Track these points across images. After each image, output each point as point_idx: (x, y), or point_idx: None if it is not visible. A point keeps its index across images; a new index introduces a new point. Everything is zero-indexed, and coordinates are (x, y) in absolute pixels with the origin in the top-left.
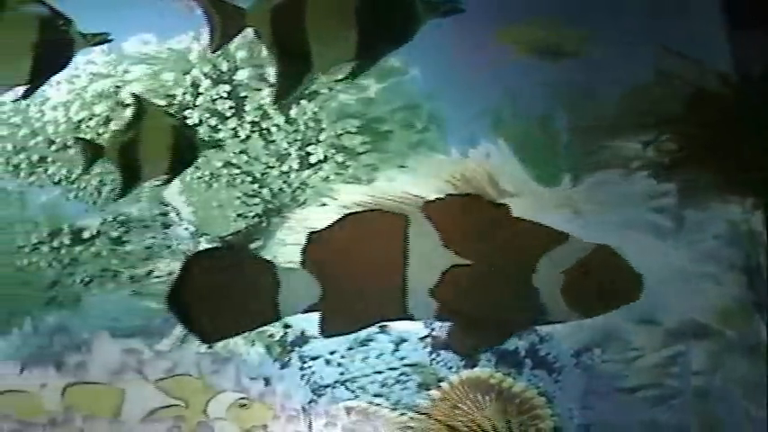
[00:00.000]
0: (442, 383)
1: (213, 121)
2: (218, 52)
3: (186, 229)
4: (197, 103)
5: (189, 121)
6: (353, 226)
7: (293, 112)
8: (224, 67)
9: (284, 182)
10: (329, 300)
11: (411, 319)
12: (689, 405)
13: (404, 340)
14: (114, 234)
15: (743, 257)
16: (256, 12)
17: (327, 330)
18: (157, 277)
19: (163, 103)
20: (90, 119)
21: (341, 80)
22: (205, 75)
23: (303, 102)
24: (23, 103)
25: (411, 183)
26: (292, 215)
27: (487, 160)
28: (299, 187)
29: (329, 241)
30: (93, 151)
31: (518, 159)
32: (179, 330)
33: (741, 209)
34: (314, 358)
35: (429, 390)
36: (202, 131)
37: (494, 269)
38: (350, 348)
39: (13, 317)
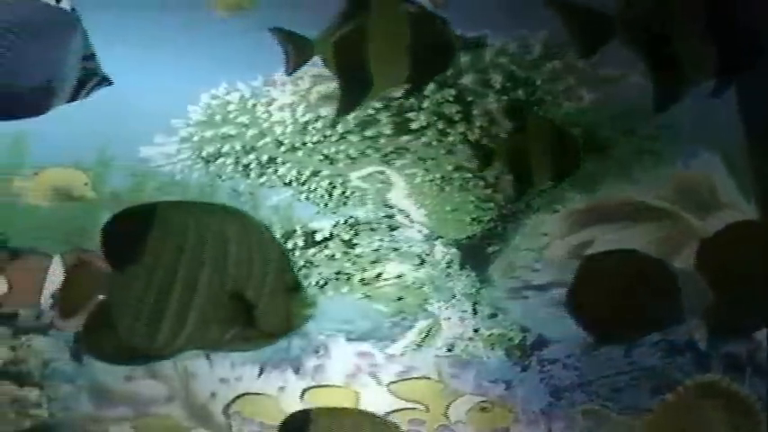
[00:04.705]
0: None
1: (441, 125)
2: None
3: (419, 231)
4: (423, 107)
5: (415, 125)
6: (737, 233)
7: None
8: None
9: None
10: (721, 304)
11: None
12: None
13: (636, 345)
14: (346, 237)
15: None
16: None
17: (718, 334)
18: (385, 280)
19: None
20: (316, 120)
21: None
22: None
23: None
24: (250, 102)
25: (635, 190)
26: (528, 221)
27: (709, 172)
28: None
29: (719, 247)
30: (487, 154)
31: (730, 173)
32: (413, 334)
33: None
34: (552, 362)
35: (662, 393)
36: (430, 134)
37: None
38: (584, 353)
39: None
